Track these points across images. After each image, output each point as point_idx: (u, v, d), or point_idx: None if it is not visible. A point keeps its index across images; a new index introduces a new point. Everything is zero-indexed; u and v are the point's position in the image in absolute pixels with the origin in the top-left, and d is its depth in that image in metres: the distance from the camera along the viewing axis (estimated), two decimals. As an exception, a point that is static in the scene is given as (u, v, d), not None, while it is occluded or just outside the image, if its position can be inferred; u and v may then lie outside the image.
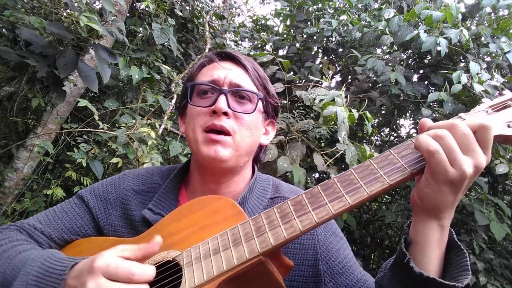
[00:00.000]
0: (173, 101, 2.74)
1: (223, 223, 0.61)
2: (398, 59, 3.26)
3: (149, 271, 0.53)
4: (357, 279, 0.73)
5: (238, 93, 0.76)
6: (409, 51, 3.39)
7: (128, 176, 0.86)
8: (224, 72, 0.77)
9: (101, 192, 0.83)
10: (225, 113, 0.72)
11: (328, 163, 2.25)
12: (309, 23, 3.75)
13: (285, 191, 0.83)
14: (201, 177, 0.80)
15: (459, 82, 2.48)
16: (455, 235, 0.58)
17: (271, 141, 2.09)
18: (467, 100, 2.74)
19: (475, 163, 0.51)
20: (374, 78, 3.37)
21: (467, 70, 2.62)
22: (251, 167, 0.86)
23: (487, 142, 0.52)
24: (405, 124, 4.06)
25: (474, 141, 0.51)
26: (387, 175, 0.53)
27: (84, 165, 2.16)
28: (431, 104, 2.94)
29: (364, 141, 3.58)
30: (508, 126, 0.55)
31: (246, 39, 4.60)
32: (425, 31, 2.75)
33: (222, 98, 0.72)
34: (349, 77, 3.93)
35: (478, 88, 2.40)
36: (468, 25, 3.22)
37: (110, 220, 0.80)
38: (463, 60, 3.16)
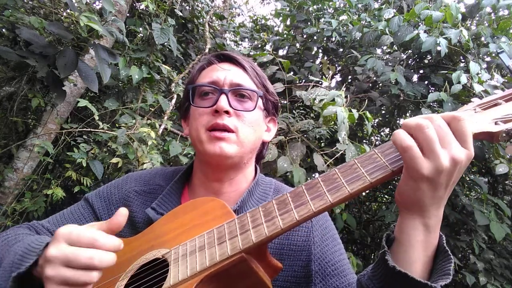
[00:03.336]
0: (173, 101, 2.74)
1: (212, 223, 0.63)
2: (398, 59, 3.26)
3: (114, 240, 0.54)
4: (348, 283, 0.73)
5: (239, 92, 0.78)
6: (409, 51, 3.39)
7: (131, 178, 0.88)
8: (224, 73, 0.79)
9: (105, 194, 0.86)
10: (227, 112, 0.74)
11: (328, 163, 2.25)
12: (309, 23, 3.75)
13: None
14: (204, 176, 0.81)
15: (459, 82, 2.48)
16: (445, 241, 0.57)
17: (271, 141, 2.09)
18: (467, 100, 2.74)
19: (451, 155, 0.50)
20: (374, 78, 3.37)
21: (467, 70, 2.62)
22: (254, 168, 0.87)
23: (462, 134, 0.51)
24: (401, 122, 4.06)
25: (450, 134, 0.51)
26: (369, 173, 0.54)
27: (84, 165, 2.16)
28: (431, 104, 2.94)
29: (364, 141, 3.59)
30: (495, 123, 0.54)
31: (246, 39, 4.60)
32: (425, 31, 2.75)
33: (223, 98, 0.74)
34: (349, 77, 3.93)
35: (478, 88, 2.40)
36: (468, 25, 3.22)
37: None
38: (463, 60, 3.16)
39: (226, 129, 0.74)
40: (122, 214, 0.58)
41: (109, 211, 0.83)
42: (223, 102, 0.74)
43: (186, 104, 0.85)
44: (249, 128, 0.77)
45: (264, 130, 0.86)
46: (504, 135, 0.52)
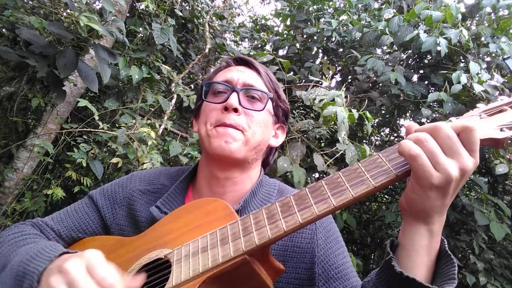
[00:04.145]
0: (173, 101, 2.74)
1: (215, 223, 0.63)
2: (398, 59, 3.26)
3: (115, 282, 0.52)
4: (351, 287, 0.73)
5: (250, 94, 0.81)
6: (409, 51, 3.39)
7: (135, 177, 0.89)
8: (238, 74, 0.82)
9: (109, 192, 0.86)
10: (236, 110, 0.76)
11: (328, 163, 2.25)
12: (309, 23, 3.75)
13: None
14: (209, 173, 0.81)
15: (459, 82, 2.48)
16: (446, 245, 0.57)
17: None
18: (467, 100, 2.74)
19: (460, 166, 0.50)
20: (374, 78, 3.37)
21: (467, 70, 2.62)
22: (259, 170, 0.87)
23: (472, 144, 0.51)
24: (405, 124, 4.06)
25: (458, 144, 0.51)
26: (373, 178, 0.54)
27: (84, 165, 2.16)
28: (431, 104, 2.94)
29: (364, 141, 3.59)
30: (501, 129, 0.54)
31: (246, 39, 4.60)
32: (425, 31, 2.75)
33: (234, 96, 0.77)
34: (349, 77, 3.93)
35: (478, 88, 2.40)
36: (468, 25, 3.22)
37: (117, 219, 0.82)
38: (463, 60, 3.16)
39: (234, 127, 0.75)
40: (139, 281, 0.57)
41: (113, 209, 0.83)
42: (233, 99, 0.76)
43: (198, 102, 0.88)
44: (257, 128, 0.79)
45: (272, 135, 0.87)
46: (509, 141, 0.53)
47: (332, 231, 0.80)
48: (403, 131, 4.00)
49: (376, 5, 3.77)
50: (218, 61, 3.24)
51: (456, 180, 0.50)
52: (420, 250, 0.55)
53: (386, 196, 4.05)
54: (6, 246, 0.71)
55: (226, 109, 0.76)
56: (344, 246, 0.80)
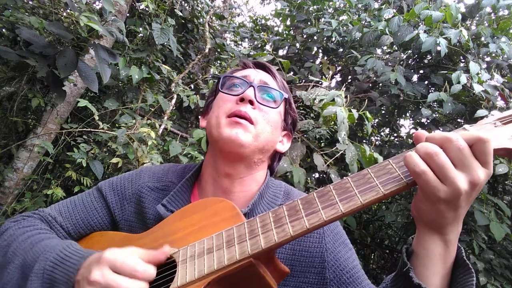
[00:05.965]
0: (173, 101, 2.74)
1: (221, 224, 0.63)
2: (398, 59, 3.26)
3: (150, 270, 0.57)
4: None
5: (265, 91, 0.82)
6: (409, 51, 3.40)
7: (145, 173, 0.88)
8: (255, 73, 0.85)
9: (119, 187, 0.85)
10: (251, 103, 0.77)
11: (328, 163, 2.25)
12: (309, 23, 3.75)
13: (295, 198, 0.83)
14: (215, 171, 0.80)
15: (459, 82, 2.48)
16: (464, 253, 0.56)
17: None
18: (467, 100, 2.75)
19: (470, 178, 0.49)
20: (374, 78, 3.38)
21: (467, 70, 2.62)
22: (266, 173, 0.86)
23: (486, 155, 0.49)
24: (405, 124, 4.07)
25: (469, 156, 0.49)
26: (383, 185, 0.53)
27: (84, 165, 2.16)
28: (431, 104, 2.94)
29: (364, 141, 3.59)
30: None
31: (246, 39, 4.60)
32: (425, 31, 2.75)
33: (250, 89, 0.78)
34: (349, 77, 3.93)
35: (477, 88, 2.40)
36: (468, 25, 3.22)
37: (126, 215, 0.82)
38: (463, 60, 3.16)
39: (246, 118, 0.75)
40: (165, 253, 0.61)
41: (122, 205, 0.83)
42: (250, 92, 0.77)
43: (210, 98, 0.89)
44: (268, 126, 0.79)
45: (279, 140, 0.87)
46: None
47: (340, 234, 0.79)
48: (403, 131, 4.00)
49: (376, 5, 3.77)
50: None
51: (467, 193, 0.49)
52: (434, 259, 0.54)
53: (386, 196, 4.04)
54: (20, 240, 0.71)
55: (241, 100, 0.77)
56: (352, 248, 0.79)
